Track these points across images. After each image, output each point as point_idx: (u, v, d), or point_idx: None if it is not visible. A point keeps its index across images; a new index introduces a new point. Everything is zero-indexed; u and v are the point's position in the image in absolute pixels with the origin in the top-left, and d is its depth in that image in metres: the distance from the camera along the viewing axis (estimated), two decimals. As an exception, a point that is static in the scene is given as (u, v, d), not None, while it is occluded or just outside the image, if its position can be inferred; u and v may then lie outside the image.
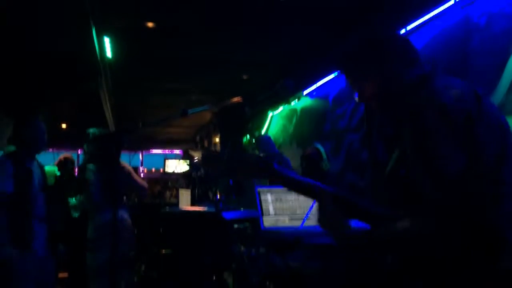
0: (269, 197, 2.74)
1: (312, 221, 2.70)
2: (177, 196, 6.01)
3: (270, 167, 1.25)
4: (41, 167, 3.15)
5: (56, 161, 5.48)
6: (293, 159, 4.70)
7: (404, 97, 1.27)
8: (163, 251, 4.80)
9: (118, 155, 3.69)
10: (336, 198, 1.29)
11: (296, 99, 6.88)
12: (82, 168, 3.75)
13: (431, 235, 1.12)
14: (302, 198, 2.78)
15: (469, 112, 1.14)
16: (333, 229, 1.28)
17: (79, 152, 5.07)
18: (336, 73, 5.58)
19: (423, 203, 1.12)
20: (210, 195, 4.62)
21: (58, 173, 5.47)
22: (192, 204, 4.73)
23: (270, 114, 8.26)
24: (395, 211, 1.22)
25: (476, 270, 1.11)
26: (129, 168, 3.91)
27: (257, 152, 4.46)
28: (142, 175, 11.50)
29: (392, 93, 1.32)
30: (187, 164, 5.69)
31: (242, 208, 3.66)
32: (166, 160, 10.49)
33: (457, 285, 1.14)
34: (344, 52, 1.42)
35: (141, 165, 13.11)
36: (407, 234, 1.16)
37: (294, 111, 7.11)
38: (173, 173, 9.91)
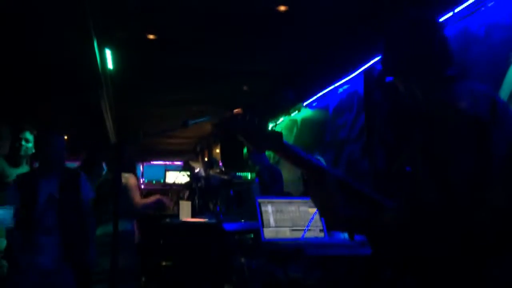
0: (269, 208, 2.73)
1: (313, 233, 2.69)
2: (177, 207, 5.99)
3: (279, 138, 1.25)
4: (68, 180, 3.08)
5: None
6: (293, 170, 4.69)
7: (427, 94, 1.29)
8: (164, 262, 4.78)
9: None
10: (339, 181, 1.29)
11: (297, 111, 6.90)
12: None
13: (419, 232, 1.13)
14: (302, 209, 2.78)
15: (481, 119, 1.15)
16: (327, 208, 1.27)
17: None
18: (335, 84, 5.60)
19: (422, 203, 1.13)
20: (211, 206, 4.61)
21: None
22: (193, 215, 4.71)
23: (270, 125, 8.28)
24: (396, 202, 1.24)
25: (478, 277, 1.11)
26: (131, 183, 3.87)
27: (249, 163, 4.48)
28: (142, 186, 11.48)
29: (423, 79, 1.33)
30: (187, 175, 5.67)
31: (242, 220, 3.65)
32: (167, 171, 10.49)
33: None
34: (397, 21, 1.42)
35: (142, 177, 13.06)
36: (395, 223, 1.17)
37: (294, 122, 7.12)
38: (174, 184, 9.92)
